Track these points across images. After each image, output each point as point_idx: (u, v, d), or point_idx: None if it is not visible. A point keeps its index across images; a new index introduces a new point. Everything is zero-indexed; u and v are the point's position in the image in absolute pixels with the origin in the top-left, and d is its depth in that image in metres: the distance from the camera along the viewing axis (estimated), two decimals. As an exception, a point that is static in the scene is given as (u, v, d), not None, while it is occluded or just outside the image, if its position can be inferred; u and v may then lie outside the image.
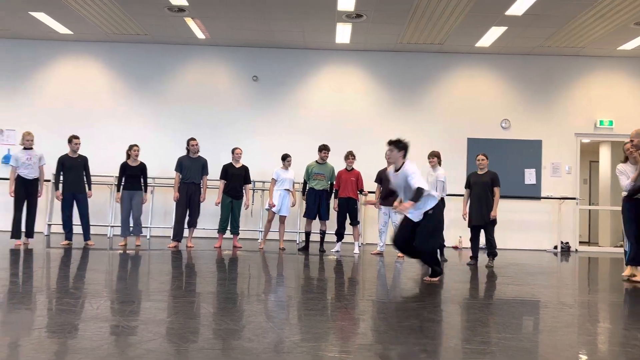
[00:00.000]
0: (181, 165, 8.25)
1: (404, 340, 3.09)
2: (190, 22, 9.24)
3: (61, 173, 8.01)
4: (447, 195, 7.76)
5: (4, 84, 10.60)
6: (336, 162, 8.90)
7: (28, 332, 2.99)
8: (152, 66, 10.64)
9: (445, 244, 7.94)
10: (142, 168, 8.26)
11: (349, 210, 8.30)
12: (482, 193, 7.28)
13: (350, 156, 8.39)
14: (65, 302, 3.83)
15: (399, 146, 5.55)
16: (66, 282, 4.82)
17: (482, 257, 7.46)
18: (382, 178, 8.14)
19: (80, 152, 8.24)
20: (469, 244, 7.58)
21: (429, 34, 9.53)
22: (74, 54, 10.65)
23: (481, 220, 7.22)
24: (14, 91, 10.58)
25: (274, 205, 8.25)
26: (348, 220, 8.34)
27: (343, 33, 9.57)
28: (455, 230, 9.76)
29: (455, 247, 9.97)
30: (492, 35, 9.47)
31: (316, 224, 8.47)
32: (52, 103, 10.54)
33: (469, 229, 7.45)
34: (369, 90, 10.69)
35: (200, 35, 9.88)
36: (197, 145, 8.35)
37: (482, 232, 7.33)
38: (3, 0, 8.46)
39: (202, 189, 8.34)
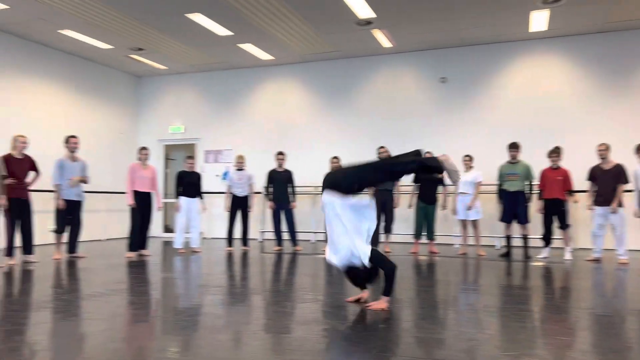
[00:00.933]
0: (374, 173, 8.47)
1: (640, 362, 2.69)
2: (377, 33, 9.46)
3: (270, 185, 8.87)
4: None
5: (221, 110, 12.14)
6: (538, 161, 8.26)
7: (252, 331, 3.34)
8: (344, 80, 11.15)
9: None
10: None
11: (556, 212, 7.59)
12: None
13: (554, 153, 7.68)
14: (281, 304, 4.20)
15: None
16: (279, 285, 5.29)
17: None
18: (595, 176, 7.31)
19: (285, 166, 9.01)
20: None
21: (645, 7, 8.28)
22: (276, 77, 11.71)
23: None
24: (229, 116, 12.05)
25: (455, 212, 8.36)
26: (557, 224, 7.64)
27: (539, 20, 8.84)
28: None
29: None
30: None
31: (517, 228, 7.91)
32: (261, 123, 11.73)
33: None
34: (572, 79, 9.67)
35: (386, 44, 10.06)
36: (385, 152, 8.50)
37: None
38: (216, 37, 9.70)
39: (394, 195, 8.44)
